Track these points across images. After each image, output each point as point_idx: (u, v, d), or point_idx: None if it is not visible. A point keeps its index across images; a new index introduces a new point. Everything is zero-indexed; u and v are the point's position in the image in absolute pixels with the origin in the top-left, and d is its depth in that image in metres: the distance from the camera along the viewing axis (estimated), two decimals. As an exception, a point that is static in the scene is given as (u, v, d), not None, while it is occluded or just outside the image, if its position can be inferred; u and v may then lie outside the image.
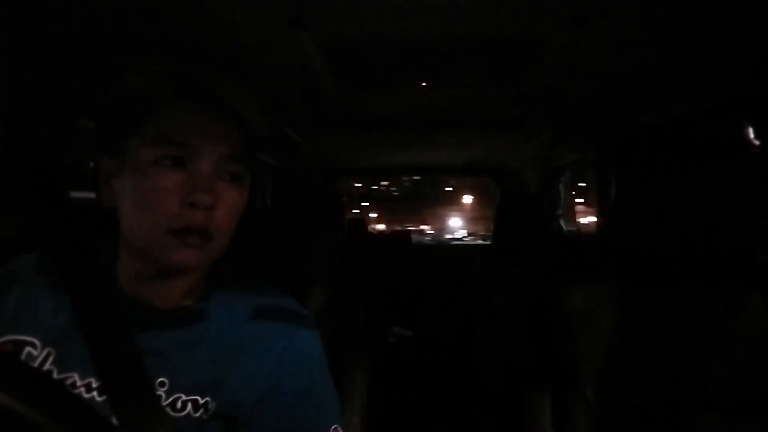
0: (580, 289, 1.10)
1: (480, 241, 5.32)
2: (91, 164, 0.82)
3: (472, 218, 10.27)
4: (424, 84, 1.96)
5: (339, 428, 0.78)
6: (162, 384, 0.73)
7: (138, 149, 0.73)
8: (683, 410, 0.98)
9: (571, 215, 3.55)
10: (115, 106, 0.75)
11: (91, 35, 1.15)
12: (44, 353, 0.73)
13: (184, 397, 0.73)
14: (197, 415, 0.72)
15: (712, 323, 1.01)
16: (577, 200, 3.62)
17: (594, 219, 2.78)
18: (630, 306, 1.04)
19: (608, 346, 1.01)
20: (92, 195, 0.81)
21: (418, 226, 9.03)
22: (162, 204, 0.70)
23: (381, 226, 7.88)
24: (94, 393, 0.71)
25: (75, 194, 1.13)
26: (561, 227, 3.36)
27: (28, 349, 0.73)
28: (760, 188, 1.01)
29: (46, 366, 0.72)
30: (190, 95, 0.75)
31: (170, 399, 0.72)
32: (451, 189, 14.01)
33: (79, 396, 0.69)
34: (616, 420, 0.98)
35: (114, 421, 0.69)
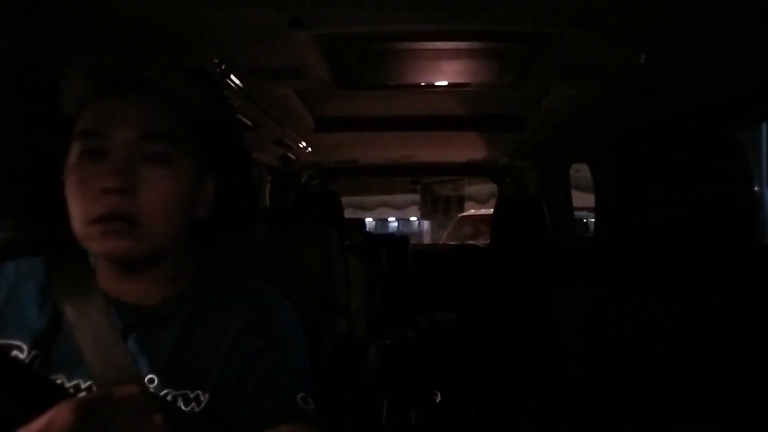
0: (578, 290, 1.09)
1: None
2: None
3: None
4: (423, 84, 1.97)
5: (309, 399, 0.77)
6: (151, 381, 0.73)
7: (71, 149, 0.74)
8: (680, 411, 0.97)
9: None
10: (57, 111, 0.77)
11: (92, 35, 1.15)
12: (31, 356, 0.73)
13: (173, 392, 0.73)
14: (188, 409, 0.73)
15: (711, 323, 1.01)
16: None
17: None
18: (627, 306, 1.04)
19: (605, 347, 1.01)
20: None
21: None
22: (82, 195, 0.70)
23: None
24: (83, 394, 0.71)
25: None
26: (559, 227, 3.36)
27: (14, 352, 0.73)
28: (760, 188, 1.01)
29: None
30: (113, 87, 0.75)
31: (160, 395, 0.73)
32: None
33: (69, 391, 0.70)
34: (613, 421, 0.98)
35: None
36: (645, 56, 1.43)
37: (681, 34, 1.27)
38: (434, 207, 12.10)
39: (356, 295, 2.19)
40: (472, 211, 8.79)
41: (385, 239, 4.32)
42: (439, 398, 3.00)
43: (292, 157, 3.23)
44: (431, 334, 3.50)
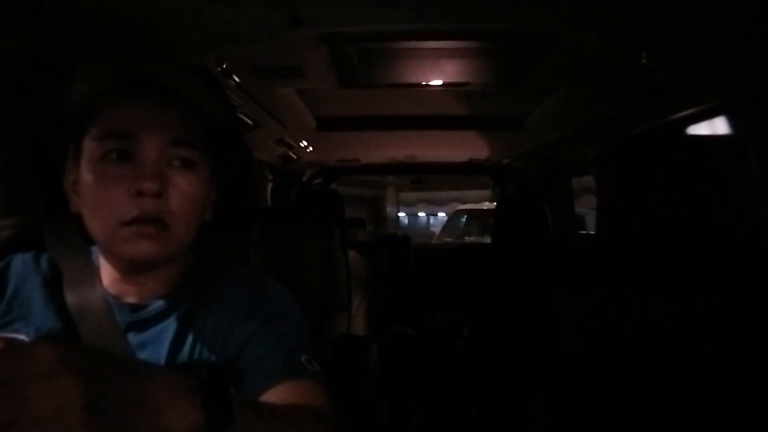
0: (578, 290, 1.10)
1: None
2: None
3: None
4: (424, 83, 1.97)
5: (314, 362, 0.76)
6: None
7: (88, 148, 0.73)
8: (680, 411, 0.98)
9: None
10: (71, 109, 0.76)
11: (92, 34, 1.15)
12: None
13: None
14: None
15: (711, 323, 1.01)
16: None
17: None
18: (627, 306, 1.04)
19: (606, 348, 1.01)
20: None
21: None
22: (111, 197, 0.70)
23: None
24: None
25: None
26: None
27: None
28: (760, 188, 1.01)
29: None
30: (137, 89, 0.74)
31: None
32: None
33: None
34: (613, 420, 0.98)
35: None
36: (645, 56, 1.43)
37: (681, 34, 1.27)
38: (504, 203, 12.10)
39: (358, 294, 2.20)
40: (471, 205, 8.78)
41: (387, 238, 4.32)
42: (441, 397, 3.00)
43: (294, 156, 3.23)
44: (432, 333, 3.50)
